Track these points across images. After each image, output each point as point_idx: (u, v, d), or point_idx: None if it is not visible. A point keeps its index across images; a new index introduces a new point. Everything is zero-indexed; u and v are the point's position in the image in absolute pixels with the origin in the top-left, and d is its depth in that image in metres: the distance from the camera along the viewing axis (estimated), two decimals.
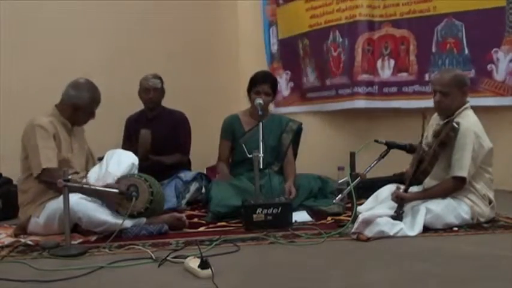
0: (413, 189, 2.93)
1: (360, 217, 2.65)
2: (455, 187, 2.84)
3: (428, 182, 2.97)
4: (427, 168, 2.82)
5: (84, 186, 2.70)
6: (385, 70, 4.55)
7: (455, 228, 2.79)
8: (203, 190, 3.80)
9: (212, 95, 5.25)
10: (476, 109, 3.00)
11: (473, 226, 2.84)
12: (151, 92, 3.96)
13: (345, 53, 4.72)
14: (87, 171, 3.10)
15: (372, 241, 2.59)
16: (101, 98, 3.06)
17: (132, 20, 4.68)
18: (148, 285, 2.08)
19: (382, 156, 2.91)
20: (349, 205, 3.06)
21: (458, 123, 2.82)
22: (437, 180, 2.92)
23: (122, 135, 4.07)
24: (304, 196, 3.45)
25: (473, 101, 3.04)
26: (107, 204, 2.82)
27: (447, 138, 2.81)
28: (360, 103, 4.63)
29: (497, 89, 3.97)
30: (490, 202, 2.91)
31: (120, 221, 2.75)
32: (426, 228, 2.73)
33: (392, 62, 4.52)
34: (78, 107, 2.99)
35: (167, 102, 4.12)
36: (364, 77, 4.61)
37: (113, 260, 2.34)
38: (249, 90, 3.59)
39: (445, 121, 2.93)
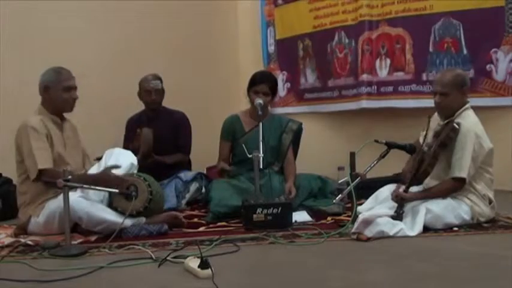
0: (414, 189, 2.93)
1: (360, 217, 2.65)
2: (455, 187, 2.84)
3: (429, 182, 2.97)
4: (427, 168, 2.82)
5: (84, 186, 2.70)
6: (383, 70, 4.55)
7: (455, 228, 2.79)
8: (203, 190, 3.80)
9: (212, 95, 5.25)
10: (475, 109, 3.00)
11: (473, 226, 2.84)
12: (153, 94, 3.97)
13: (352, 54, 4.72)
14: (85, 170, 3.09)
15: (372, 241, 2.59)
16: (71, 75, 3.01)
17: (131, 19, 4.67)
18: (148, 285, 2.08)
19: (382, 156, 2.91)
20: (349, 205, 3.06)
21: (458, 124, 2.82)
22: (438, 180, 2.92)
23: (122, 136, 4.07)
24: (304, 196, 3.45)
25: (472, 101, 3.03)
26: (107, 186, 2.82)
27: (447, 138, 2.81)
28: (363, 103, 4.63)
29: (496, 89, 3.96)
30: (490, 202, 2.91)
31: (119, 220, 2.76)
32: (426, 228, 2.73)
33: (388, 61, 4.52)
34: (48, 86, 2.97)
35: (167, 102, 4.12)
36: (364, 77, 4.61)
37: (113, 260, 2.35)
38: (248, 90, 3.59)
39: (446, 122, 2.93)
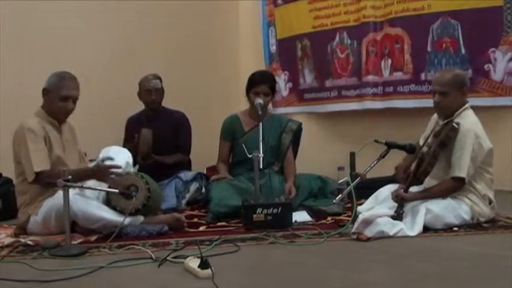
0: (414, 189, 2.93)
1: (360, 217, 2.65)
2: (455, 187, 2.84)
3: (429, 181, 2.97)
4: (427, 168, 2.82)
5: (84, 186, 2.69)
6: (386, 70, 4.55)
7: (455, 228, 2.79)
8: (203, 190, 3.80)
9: (212, 95, 5.25)
10: (473, 109, 2.99)
11: (473, 226, 2.84)
12: (153, 93, 3.97)
13: (354, 55, 4.71)
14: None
15: (372, 241, 2.59)
16: (74, 84, 2.96)
17: (131, 19, 4.67)
18: (148, 285, 2.08)
19: (382, 156, 2.91)
20: (349, 205, 3.06)
21: (458, 124, 2.82)
22: (438, 180, 2.92)
23: (122, 136, 4.07)
24: (304, 196, 3.45)
25: (470, 101, 3.02)
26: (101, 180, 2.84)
27: (447, 138, 2.81)
28: (368, 104, 4.64)
29: (494, 89, 3.95)
30: (490, 202, 2.91)
31: (116, 218, 2.76)
32: (426, 228, 2.73)
33: (389, 61, 4.52)
34: (47, 89, 2.96)
35: (167, 103, 4.12)
36: (370, 78, 4.61)
37: (113, 260, 2.35)
38: (248, 90, 3.58)
39: (445, 121, 2.93)
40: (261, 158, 3.01)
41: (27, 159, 2.81)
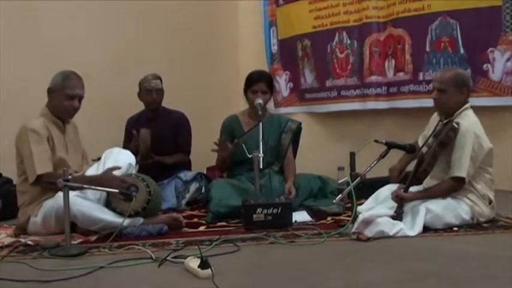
0: (413, 189, 2.93)
1: (360, 217, 2.65)
2: (454, 187, 2.84)
3: (429, 181, 2.97)
4: (427, 168, 2.82)
5: (84, 186, 2.69)
6: (390, 70, 4.55)
7: (455, 228, 2.79)
8: (203, 190, 3.80)
9: (212, 95, 5.25)
10: (472, 109, 2.99)
11: (473, 226, 2.83)
12: (153, 93, 3.97)
13: (354, 55, 4.71)
14: (83, 171, 3.09)
15: (372, 241, 2.59)
16: (80, 83, 2.96)
17: (132, 20, 4.68)
18: (148, 285, 2.08)
19: (382, 156, 2.91)
20: (349, 205, 3.06)
21: (458, 124, 2.82)
22: (438, 180, 2.92)
23: (121, 135, 4.07)
24: (304, 196, 3.45)
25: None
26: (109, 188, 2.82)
27: (447, 138, 2.81)
28: (371, 104, 4.64)
29: (493, 89, 3.94)
30: (490, 202, 2.91)
31: (115, 219, 2.76)
32: (426, 228, 2.73)
33: (393, 62, 4.52)
34: (52, 89, 2.95)
35: (167, 103, 4.12)
36: (373, 78, 4.61)
37: (113, 260, 2.35)
38: (246, 90, 3.58)
39: (445, 121, 2.93)
40: (261, 158, 3.01)
41: (30, 160, 2.81)
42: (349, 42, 4.77)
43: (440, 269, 2.17)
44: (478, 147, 2.82)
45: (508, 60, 3.87)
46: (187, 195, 3.79)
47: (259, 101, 3.46)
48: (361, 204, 3.09)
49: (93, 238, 2.75)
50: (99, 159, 3.14)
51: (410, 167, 3.00)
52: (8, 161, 3.12)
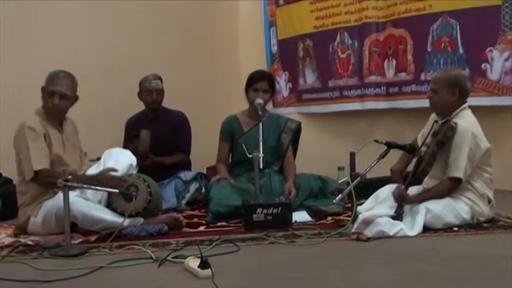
0: (413, 188, 2.93)
1: (360, 217, 2.65)
2: (451, 188, 2.84)
3: (428, 181, 2.97)
4: (426, 168, 2.82)
5: (84, 186, 2.70)
6: (390, 70, 4.55)
7: (455, 228, 2.79)
8: (203, 190, 3.80)
9: (212, 95, 5.24)
10: (470, 109, 2.98)
11: (473, 226, 2.83)
12: (154, 94, 3.97)
13: (355, 55, 4.72)
14: (83, 171, 3.09)
15: (372, 241, 2.59)
16: (60, 79, 2.92)
17: (131, 20, 4.67)
18: (148, 285, 2.08)
19: (382, 156, 2.91)
20: (349, 205, 3.06)
21: (456, 123, 2.83)
22: (437, 180, 2.92)
23: (122, 136, 4.07)
24: (304, 196, 3.44)
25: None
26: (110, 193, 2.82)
27: (445, 137, 2.81)
28: (370, 104, 4.64)
29: (491, 89, 3.93)
30: (490, 201, 2.91)
31: (116, 220, 2.76)
32: (426, 228, 2.73)
33: (394, 62, 4.52)
34: (42, 88, 2.96)
35: (167, 103, 4.12)
36: (372, 78, 4.61)
37: (113, 260, 2.35)
38: (247, 88, 3.59)
39: (443, 121, 2.94)
40: (261, 158, 3.01)
41: (27, 157, 2.81)
42: (350, 42, 4.76)
43: (441, 269, 2.17)
44: (475, 147, 2.82)
45: (506, 59, 3.86)
46: (187, 195, 3.79)
47: (260, 101, 3.46)
48: (361, 204, 3.09)
49: (93, 238, 2.76)
50: (98, 159, 3.14)
51: (411, 167, 3.00)
52: (8, 161, 3.11)
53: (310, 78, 5.14)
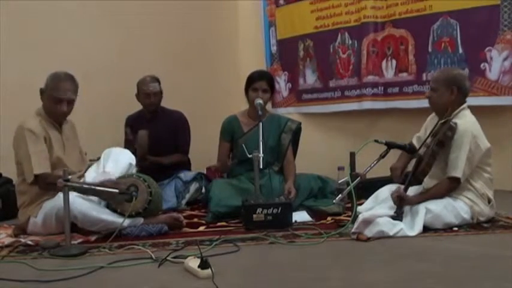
0: (413, 189, 2.93)
1: (360, 217, 2.65)
2: (450, 187, 2.84)
3: (428, 181, 2.97)
4: (426, 168, 2.82)
5: (84, 185, 2.70)
6: (389, 71, 4.55)
7: (455, 228, 2.79)
8: (203, 190, 3.80)
9: (212, 95, 5.24)
10: (469, 108, 2.99)
11: (473, 226, 2.83)
12: (151, 97, 3.97)
13: (355, 55, 4.72)
14: (83, 171, 3.08)
15: (372, 241, 2.59)
16: (66, 85, 2.90)
17: (131, 19, 4.67)
18: (148, 285, 2.08)
19: (382, 156, 2.91)
20: (349, 205, 3.06)
21: (455, 123, 2.83)
22: (437, 180, 2.92)
23: (121, 135, 4.06)
24: (304, 196, 3.45)
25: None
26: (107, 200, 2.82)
27: (445, 137, 2.81)
28: (367, 104, 4.64)
29: (490, 88, 3.93)
30: (490, 201, 2.91)
31: (116, 220, 2.76)
32: (426, 228, 2.73)
33: (394, 62, 4.52)
34: (42, 90, 2.93)
35: (167, 103, 4.12)
36: (370, 78, 4.61)
37: (113, 260, 2.35)
38: (247, 88, 3.59)
39: (443, 121, 2.94)
40: (261, 158, 3.01)
41: (27, 160, 2.80)
42: (350, 42, 4.77)
43: (440, 269, 2.17)
44: (474, 147, 2.82)
45: (505, 59, 3.86)
46: (187, 195, 3.79)
47: (259, 101, 3.46)
48: (361, 204, 3.09)
49: (93, 238, 2.76)
50: (98, 159, 3.14)
51: (410, 167, 3.00)
52: (8, 161, 3.11)
53: (310, 78, 5.14)
